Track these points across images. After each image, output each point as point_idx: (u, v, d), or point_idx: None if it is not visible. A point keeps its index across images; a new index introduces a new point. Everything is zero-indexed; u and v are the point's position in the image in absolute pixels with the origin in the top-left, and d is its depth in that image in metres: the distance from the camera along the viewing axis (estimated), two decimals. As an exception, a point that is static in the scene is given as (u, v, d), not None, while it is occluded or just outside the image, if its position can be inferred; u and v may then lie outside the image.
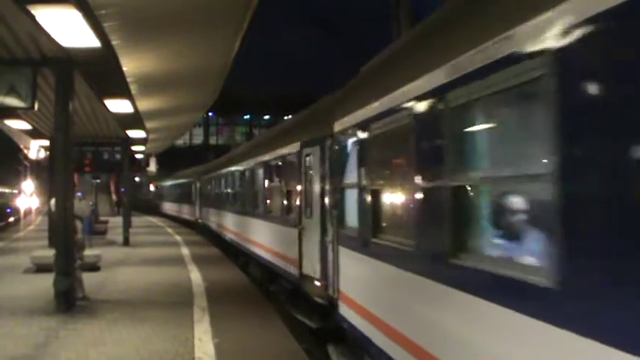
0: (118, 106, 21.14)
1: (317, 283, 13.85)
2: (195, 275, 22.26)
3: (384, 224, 8.97)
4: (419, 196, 7.17)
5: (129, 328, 13.80)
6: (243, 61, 25.66)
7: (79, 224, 17.62)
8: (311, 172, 14.83)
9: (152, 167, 61.33)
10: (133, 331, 13.57)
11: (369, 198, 9.20)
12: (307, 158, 15.07)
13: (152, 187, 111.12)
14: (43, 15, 10.90)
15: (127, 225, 35.19)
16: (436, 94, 6.60)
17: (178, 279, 21.38)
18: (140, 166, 48.60)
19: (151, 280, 20.98)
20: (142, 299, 17.56)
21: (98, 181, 52.31)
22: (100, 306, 16.50)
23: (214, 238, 36.87)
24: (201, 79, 22.41)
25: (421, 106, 7.01)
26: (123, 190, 43.74)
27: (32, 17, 10.98)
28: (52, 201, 17.64)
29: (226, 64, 20.40)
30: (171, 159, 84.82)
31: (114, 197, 75.75)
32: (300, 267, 15.33)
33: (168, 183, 70.70)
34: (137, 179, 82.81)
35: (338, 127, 11.29)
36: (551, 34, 4.42)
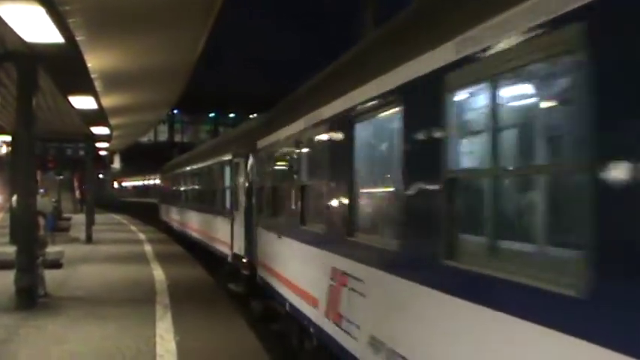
0: (82, 102, 21.03)
1: None
2: (158, 273, 22.22)
3: None
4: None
5: (91, 326, 13.75)
6: (209, 59, 25.66)
7: (41, 221, 17.51)
8: None
9: (116, 164, 61.00)
10: (95, 328, 13.52)
11: None
12: None
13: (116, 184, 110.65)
14: (6, 10, 10.83)
15: (90, 222, 34.96)
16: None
17: (141, 276, 21.30)
18: (104, 162, 48.25)
19: (114, 278, 20.88)
20: (104, 297, 17.50)
21: (61, 177, 51.92)
22: (62, 303, 16.40)
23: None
24: (166, 77, 22.38)
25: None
26: (86, 186, 43.29)
27: (-5, 12, 10.92)
28: (14, 197, 17.53)
29: (191, 61, 20.41)
30: (136, 156, 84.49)
31: (77, 194, 75.20)
32: None
33: (175, 171, 41.61)
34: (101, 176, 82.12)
35: None
36: None
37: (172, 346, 12.13)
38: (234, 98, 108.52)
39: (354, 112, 8.63)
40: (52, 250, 21.02)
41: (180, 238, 35.97)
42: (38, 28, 11.76)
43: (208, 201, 26.59)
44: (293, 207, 12.57)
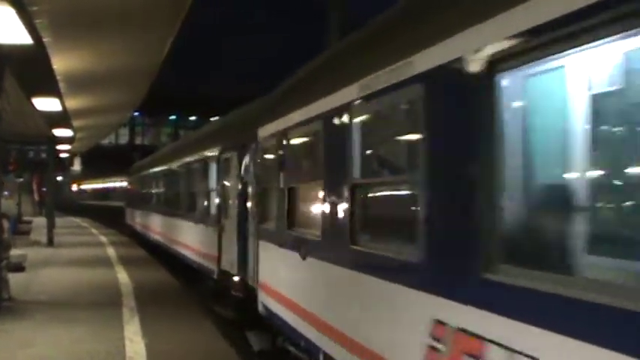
0: (46, 104, 20.87)
1: None
2: (123, 276, 22.07)
3: None
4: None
5: (58, 329, 13.63)
6: (171, 62, 25.42)
7: (5, 223, 17.34)
8: None
9: (76, 166, 60.41)
10: (63, 331, 13.42)
11: None
12: None
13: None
14: (-27, 10, 10.74)
15: (51, 225, 34.59)
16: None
17: (106, 280, 21.16)
18: (64, 165, 47.76)
19: (78, 281, 20.72)
20: (69, 300, 17.36)
21: (21, 180, 51.31)
22: (27, 307, 16.23)
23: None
24: (131, 78, 22.29)
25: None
26: (45, 189, 42.82)
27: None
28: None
29: (156, 64, 20.38)
30: (97, 158, 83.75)
31: (36, 197, 74.33)
32: None
33: (146, 171, 36.08)
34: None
35: None
36: None
37: (142, 347, 12.10)
38: (200, 100, 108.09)
39: (496, 55, 4.63)
40: (14, 253, 20.80)
41: (144, 241, 34.05)
42: (7, 29, 11.66)
43: (187, 206, 22.22)
44: (335, 216, 8.18)
